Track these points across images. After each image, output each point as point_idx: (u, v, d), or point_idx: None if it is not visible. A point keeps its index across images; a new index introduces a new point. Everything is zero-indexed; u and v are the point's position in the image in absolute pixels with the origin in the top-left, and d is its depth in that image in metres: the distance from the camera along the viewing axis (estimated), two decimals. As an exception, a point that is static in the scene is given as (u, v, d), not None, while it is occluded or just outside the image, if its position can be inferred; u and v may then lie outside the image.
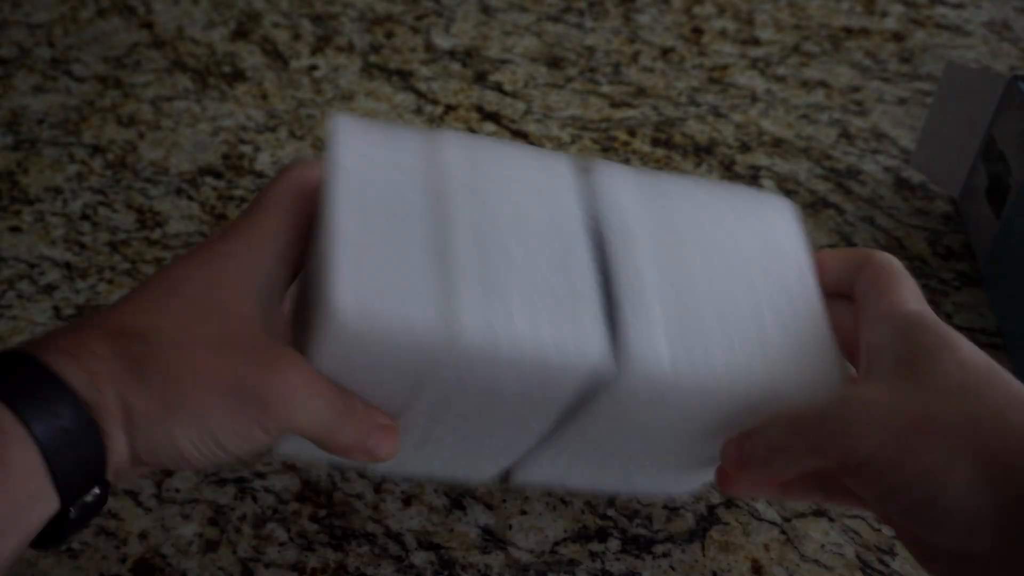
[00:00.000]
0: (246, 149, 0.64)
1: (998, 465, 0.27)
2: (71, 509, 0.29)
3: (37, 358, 0.29)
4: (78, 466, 0.29)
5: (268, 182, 0.34)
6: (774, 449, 0.33)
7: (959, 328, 0.52)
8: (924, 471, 0.28)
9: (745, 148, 0.63)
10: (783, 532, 0.44)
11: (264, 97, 0.67)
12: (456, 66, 0.70)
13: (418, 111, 0.66)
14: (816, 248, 0.55)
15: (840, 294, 0.36)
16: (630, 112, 0.66)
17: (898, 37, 0.72)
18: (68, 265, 0.56)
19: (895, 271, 0.34)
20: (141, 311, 0.31)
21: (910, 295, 0.34)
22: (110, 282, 0.55)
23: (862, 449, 0.29)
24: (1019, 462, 0.27)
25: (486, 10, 0.74)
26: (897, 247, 0.57)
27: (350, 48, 0.71)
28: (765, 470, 0.33)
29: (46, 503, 0.28)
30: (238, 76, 0.69)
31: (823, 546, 0.43)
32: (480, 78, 0.69)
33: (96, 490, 0.30)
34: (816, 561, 0.43)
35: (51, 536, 0.30)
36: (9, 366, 0.29)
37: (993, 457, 0.27)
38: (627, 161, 0.62)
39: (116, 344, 0.30)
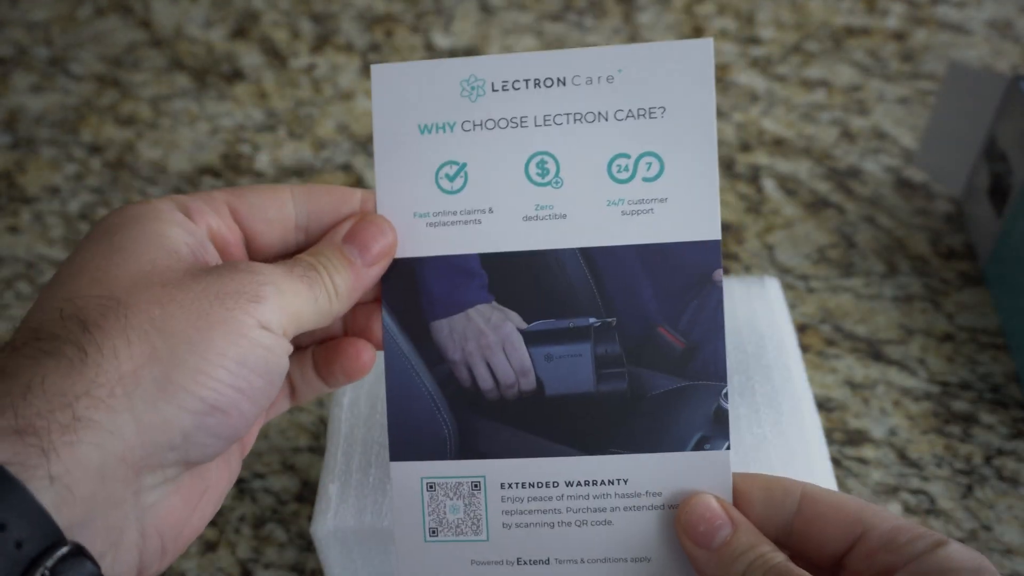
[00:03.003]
0: (245, 148, 0.64)
1: None
2: None
3: None
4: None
5: None
6: None
7: (960, 328, 0.52)
8: None
9: (746, 147, 0.63)
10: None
11: (263, 96, 0.67)
12: (456, 65, 0.69)
13: (418, 110, 0.66)
14: (817, 248, 0.54)
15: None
16: (630, 111, 0.66)
17: (899, 36, 0.72)
18: (66, 265, 0.56)
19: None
20: (59, 291, 0.26)
21: None
22: (108, 282, 0.55)
23: None
24: None
25: (486, 9, 0.74)
26: (898, 247, 0.57)
27: (349, 47, 0.71)
28: None
29: None
30: (237, 75, 0.69)
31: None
32: (480, 77, 0.68)
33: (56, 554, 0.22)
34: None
35: None
36: None
37: None
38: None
39: (41, 347, 0.24)
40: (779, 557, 0.28)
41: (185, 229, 0.29)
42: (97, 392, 0.24)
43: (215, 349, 0.26)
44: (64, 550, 0.22)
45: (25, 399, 0.23)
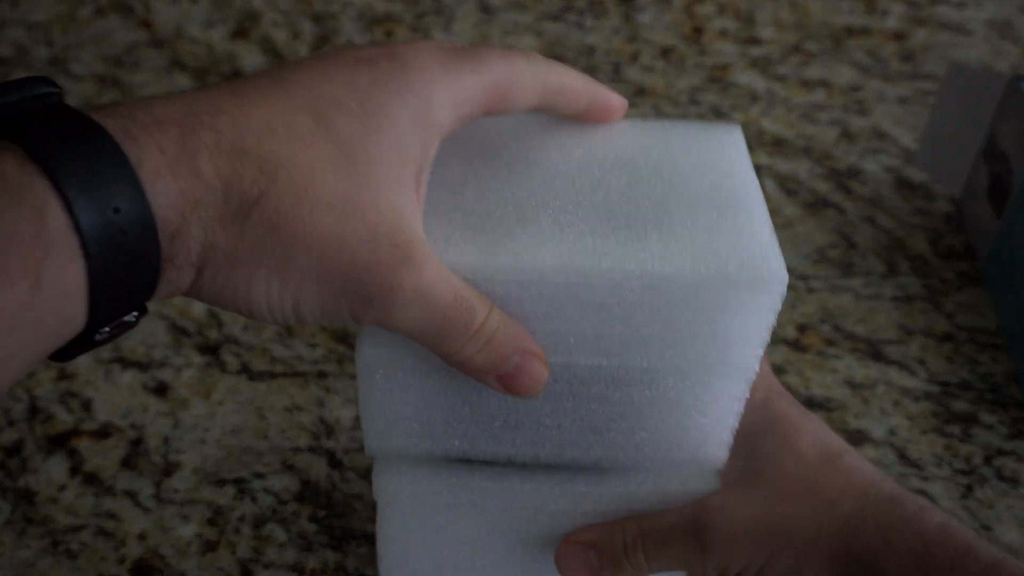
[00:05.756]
0: (245, 149, 0.64)
1: (841, 559, 0.31)
2: (98, 333, 0.24)
3: (127, 152, 0.23)
4: (124, 294, 0.24)
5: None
6: (637, 564, 0.33)
7: (960, 328, 0.52)
8: (787, 574, 0.32)
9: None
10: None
11: (263, 96, 0.67)
12: (456, 65, 0.70)
13: (418, 110, 0.66)
14: (817, 248, 0.54)
15: None
16: (630, 112, 0.66)
17: (899, 36, 0.72)
18: (67, 265, 0.56)
19: None
20: (271, 134, 0.26)
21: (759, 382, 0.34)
22: (109, 282, 0.55)
23: (736, 564, 0.32)
24: (855, 550, 0.31)
25: (486, 9, 0.74)
26: (898, 247, 0.57)
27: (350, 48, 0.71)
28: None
29: (74, 325, 0.23)
30: (237, 75, 0.69)
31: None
32: (480, 77, 0.69)
33: (131, 316, 0.25)
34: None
35: (65, 352, 0.25)
36: (80, 137, 0.23)
37: (835, 552, 0.31)
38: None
39: (228, 167, 0.25)
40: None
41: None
42: (234, 262, 0.26)
43: (306, 307, 0.27)
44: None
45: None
